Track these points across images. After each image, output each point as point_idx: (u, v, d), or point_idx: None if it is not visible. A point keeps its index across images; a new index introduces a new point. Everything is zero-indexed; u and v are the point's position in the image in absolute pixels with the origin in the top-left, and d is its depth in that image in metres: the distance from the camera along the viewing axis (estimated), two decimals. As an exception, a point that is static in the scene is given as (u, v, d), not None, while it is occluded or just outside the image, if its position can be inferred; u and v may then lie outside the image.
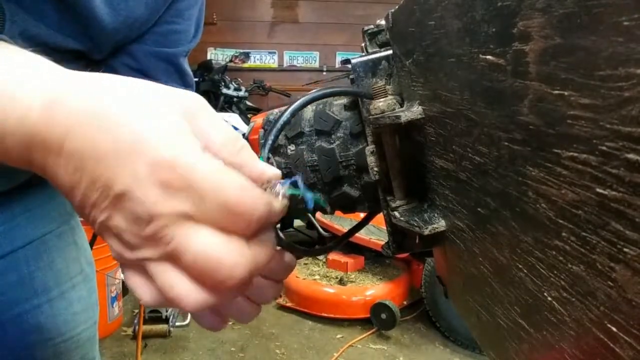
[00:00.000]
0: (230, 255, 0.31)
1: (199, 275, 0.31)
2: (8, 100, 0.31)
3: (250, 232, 0.33)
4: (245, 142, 0.36)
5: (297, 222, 3.92)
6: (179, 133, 0.31)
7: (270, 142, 0.44)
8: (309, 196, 0.39)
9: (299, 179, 0.38)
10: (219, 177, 0.31)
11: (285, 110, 0.44)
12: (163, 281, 0.32)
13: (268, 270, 0.45)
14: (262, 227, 0.34)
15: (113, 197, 0.31)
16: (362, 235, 2.76)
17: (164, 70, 0.72)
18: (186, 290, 0.32)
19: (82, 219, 0.35)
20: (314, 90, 0.46)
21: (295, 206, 0.52)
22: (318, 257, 3.15)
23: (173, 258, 0.31)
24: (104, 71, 0.69)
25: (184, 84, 0.76)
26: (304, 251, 0.50)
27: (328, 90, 0.45)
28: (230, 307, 0.45)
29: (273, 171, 0.36)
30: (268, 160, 0.43)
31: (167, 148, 0.30)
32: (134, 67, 0.70)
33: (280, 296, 3.08)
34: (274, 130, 0.44)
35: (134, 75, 0.69)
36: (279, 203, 0.35)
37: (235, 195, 0.31)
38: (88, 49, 0.62)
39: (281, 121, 0.44)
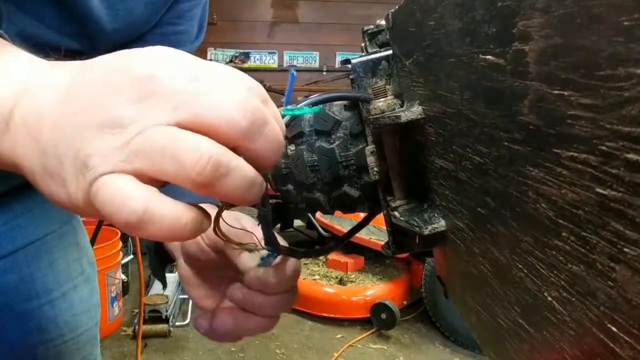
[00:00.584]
0: (240, 94, 0.29)
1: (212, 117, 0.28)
2: None
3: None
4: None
5: (297, 222, 3.92)
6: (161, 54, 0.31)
7: None
8: (307, 110, 0.39)
9: (292, 72, 0.37)
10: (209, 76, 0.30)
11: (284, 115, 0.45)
12: (168, 138, 0.27)
13: (275, 287, 0.45)
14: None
15: (117, 73, 0.29)
16: (362, 235, 2.76)
17: None
18: (197, 139, 0.28)
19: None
20: (314, 96, 0.46)
21: (296, 206, 0.52)
22: (318, 257, 3.15)
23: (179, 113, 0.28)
24: None
25: None
26: (303, 253, 0.50)
27: (327, 96, 0.46)
28: (245, 323, 0.46)
29: None
30: None
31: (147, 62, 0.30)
32: None
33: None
34: None
35: None
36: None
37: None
38: (88, 49, 0.62)
39: None
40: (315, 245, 3.29)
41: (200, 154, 0.27)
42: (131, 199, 0.27)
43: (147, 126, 0.27)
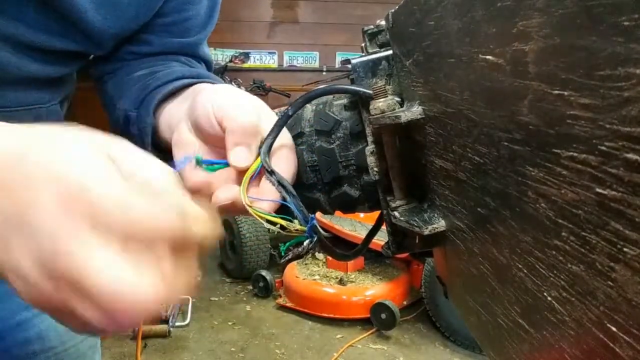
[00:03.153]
0: (140, 282, 0.29)
1: (111, 307, 0.29)
2: None
3: (161, 251, 0.30)
4: (172, 176, 0.35)
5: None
6: (88, 160, 0.30)
7: (270, 139, 0.45)
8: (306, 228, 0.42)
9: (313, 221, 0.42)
10: (125, 195, 0.29)
11: (287, 109, 0.46)
12: (84, 316, 0.29)
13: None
14: (182, 249, 0.32)
15: (20, 225, 0.29)
16: (362, 235, 2.76)
17: (181, 58, 0.70)
18: (106, 323, 0.29)
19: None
20: (314, 89, 0.47)
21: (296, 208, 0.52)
22: (318, 257, 3.15)
23: (83, 294, 0.29)
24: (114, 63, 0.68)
25: (207, 68, 0.75)
26: (340, 255, 0.51)
27: (328, 88, 0.46)
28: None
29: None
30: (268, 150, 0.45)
31: (74, 171, 0.29)
32: (153, 52, 0.68)
33: (280, 296, 3.09)
34: (275, 128, 0.45)
35: (154, 62, 0.68)
36: (203, 225, 0.33)
37: (142, 208, 0.30)
38: (82, 48, 0.60)
39: (284, 118, 0.46)
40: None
41: (140, 306, 0.30)
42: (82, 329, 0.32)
43: (76, 243, 0.28)
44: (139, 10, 0.62)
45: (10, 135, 0.32)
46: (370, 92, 0.44)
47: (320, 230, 0.44)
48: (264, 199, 0.44)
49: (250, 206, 0.43)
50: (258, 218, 0.43)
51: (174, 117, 0.54)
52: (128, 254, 0.29)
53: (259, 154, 0.45)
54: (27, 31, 0.55)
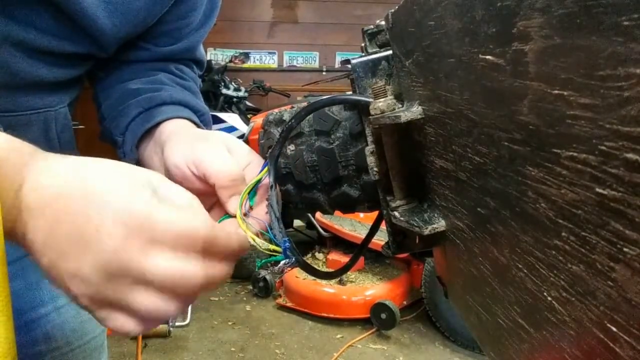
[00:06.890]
0: (189, 268, 0.38)
1: (170, 290, 0.38)
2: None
3: (201, 248, 0.39)
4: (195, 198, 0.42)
5: (297, 222, 3.92)
6: (134, 188, 0.38)
7: (276, 152, 0.46)
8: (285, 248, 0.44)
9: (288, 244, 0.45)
10: (167, 211, 0.38)
11: (291, 122, 0.47)
12: (140, 305, 0.38)
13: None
14: (217, 251, 0.40)
15: (83, 243, 0.36)
16: (362, 235, 2.76)
17: (172, 66, 0.71)
18: (164, 307, 0.38)
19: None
20: (313, 101, 0.47)
21: (295, 206, 0.52)
22: (317, 257, 3.15)
23: (145, 284, 0.38)
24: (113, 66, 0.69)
25: (200, 69, 0.77)
26: (323, 274, 0.51)
27: (330, 99, 0.46)
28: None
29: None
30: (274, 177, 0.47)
31: (126, 199, 0.37)
32: (149, 59, 0.69)
33: (280, 296, 3.09)
34: (280, 140, 0.46)
35: (144, 71, 0.71)
36: (228, 233, 0.41)
37: (181, 221, 0.38)
38: (89, 51, 0.61)
39: (287, 129, 0.47)
40: (315, 245, 3.30)
41: (195, 282, 0.39)
42: (135, 329, 0.39)
43: (137, 254, 0.36)
44: (148, 15, 0.63)
45: (66, 169, 0.39)
46: (370, 99, 0.44)
47: (297, 253, 0.46)
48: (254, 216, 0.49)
49: (243, 221, 0.47)
50: (245, 231, 0.46)
51: (152, 161, 0.62)
52: (177, 253, 0.38)
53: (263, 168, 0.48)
54: (38, 35, 0.55)
